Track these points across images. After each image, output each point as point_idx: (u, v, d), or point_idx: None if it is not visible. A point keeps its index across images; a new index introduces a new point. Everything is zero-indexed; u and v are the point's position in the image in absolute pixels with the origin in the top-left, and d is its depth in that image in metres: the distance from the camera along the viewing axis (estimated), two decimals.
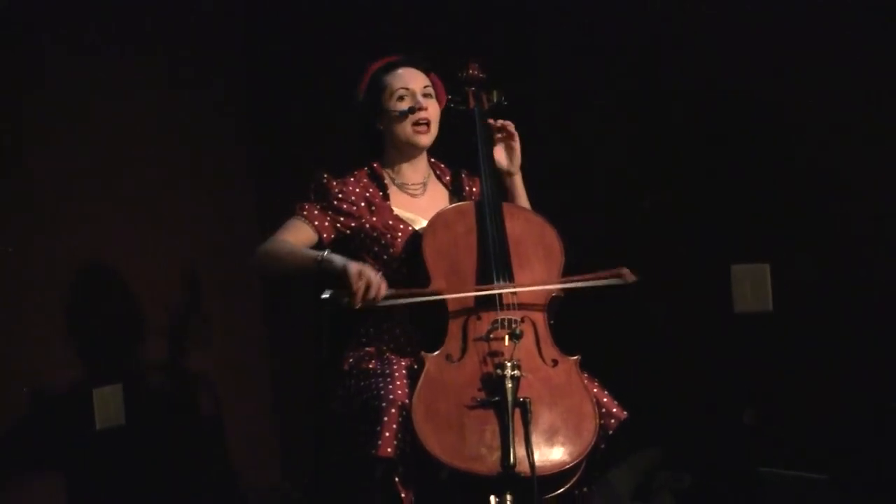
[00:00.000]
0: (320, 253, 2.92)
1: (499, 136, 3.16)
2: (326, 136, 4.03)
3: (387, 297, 2.84)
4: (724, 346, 3.62)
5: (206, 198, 4.05)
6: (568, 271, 2.98)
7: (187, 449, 3.89)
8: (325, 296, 2.81)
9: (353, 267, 2.81)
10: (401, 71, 3.08)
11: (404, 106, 3.04)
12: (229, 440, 4.03)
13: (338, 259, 2.87)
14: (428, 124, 3.06)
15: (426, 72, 3.11)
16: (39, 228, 3.54)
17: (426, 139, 3.08)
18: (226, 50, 4.19)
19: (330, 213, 3.04)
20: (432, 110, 3.07)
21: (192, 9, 4.07)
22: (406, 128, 3.06)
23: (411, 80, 3.06)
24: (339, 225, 3.04)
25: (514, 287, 2.90)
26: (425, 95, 3.07)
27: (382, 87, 3.07)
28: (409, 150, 3.10)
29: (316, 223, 3.02)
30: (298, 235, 3.02)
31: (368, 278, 2.80)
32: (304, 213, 3.04)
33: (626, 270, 2.90)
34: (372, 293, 2.79)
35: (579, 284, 2.93)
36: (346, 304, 2.80)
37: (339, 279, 2.82)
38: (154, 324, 3.83)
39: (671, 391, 3.63)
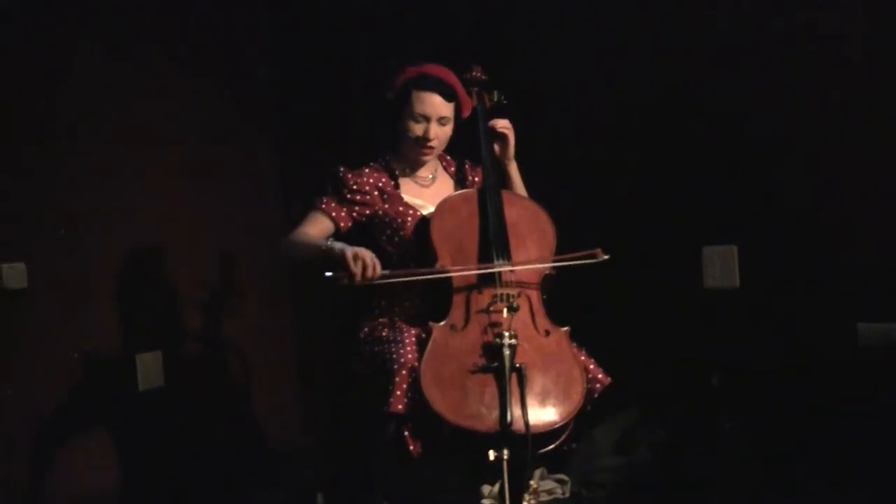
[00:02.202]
0: (325, 242, 2.90)
1: (498, 131, 3.12)
2: (347, 129, 4.03)
3: (382, 276, 2.81)
4: (695, 318, 3.63)
5: (238, 187, 4.05)
6: (561, 252, 2.98)
7: (218, 407, 3.92)
8: (328, 275, 2.77)
9: (349, 251, 2.77)
10: (425, 95, 3.00)
11: (418, 131, 3.02)
12: (255, 400, 4.05)
13: (338, 245, 2.83)
14: (437, 147, 3.06)
15: (450, 99, 3.04)
16: (94, 216, 3.56)
17: (428, 158, 3.08)
18: (252, 47, 4.16)
19: (345, 204, 3.03)
20: (443, 135, 3.05)
21: (220, 7, 4.04)
22: (412, 146, 3.06)
23: (430, 108, 3.00)
24: (354, 214, 3.03)
25: (511, 265, 2.89)
26: (440, 123, 3.03)
27: (406, 101, 3.02)
28: (415, 157, 3.11)
29: (333, 214, 3.02)
30: (318, 226, 3.01)
31: (364, 260, 2.76)
32: (323, 206, 3.03)
33: (598, 251, 2.89)
34: (368, 273, 2.76)
35: (562, 263, 2.92)
36: (346, 283, 2.76)
37: (341, 263, 2.79)
38: (191, 298, 3.85)
39: (649, 357, 3.62)
